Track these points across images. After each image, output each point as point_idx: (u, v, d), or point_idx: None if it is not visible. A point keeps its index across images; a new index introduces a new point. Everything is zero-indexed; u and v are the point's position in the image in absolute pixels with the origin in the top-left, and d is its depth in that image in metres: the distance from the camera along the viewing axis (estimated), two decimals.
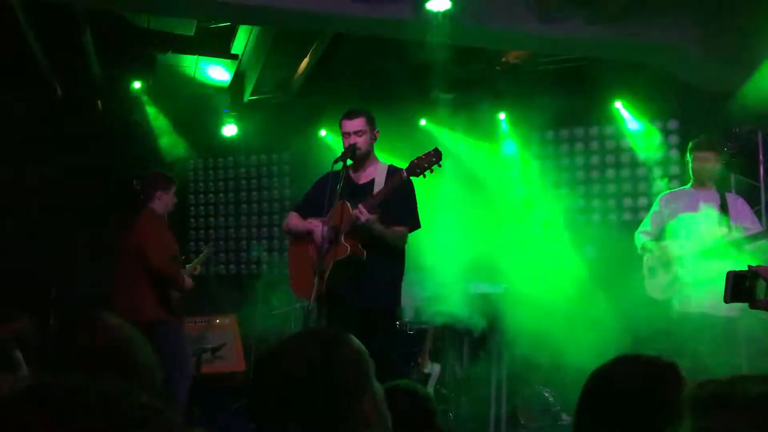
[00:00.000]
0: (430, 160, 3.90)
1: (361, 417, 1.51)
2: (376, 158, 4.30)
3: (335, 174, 4.04)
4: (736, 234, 4.52)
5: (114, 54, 7.09)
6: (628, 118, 6.84)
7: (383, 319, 4.11)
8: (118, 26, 6.55)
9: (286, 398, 1.51)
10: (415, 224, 4.18)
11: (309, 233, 4.15)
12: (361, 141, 4.10)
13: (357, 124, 4.12)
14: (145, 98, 7.91)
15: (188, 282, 5.25)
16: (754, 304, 2.54)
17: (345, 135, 4.15)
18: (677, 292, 4.76)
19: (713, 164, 4.73)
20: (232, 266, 8.66)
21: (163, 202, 5.34)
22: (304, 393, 1.50)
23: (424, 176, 3.93)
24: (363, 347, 1.61)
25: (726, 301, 2.20)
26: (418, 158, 3.94)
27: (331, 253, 3.97)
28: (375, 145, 4.27)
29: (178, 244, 5.42)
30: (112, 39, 6.77)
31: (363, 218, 3.85)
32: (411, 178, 4.01)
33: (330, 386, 1.50)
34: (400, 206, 4.07)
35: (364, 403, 1.52)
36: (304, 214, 4.32)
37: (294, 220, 4.36)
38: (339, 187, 4.00)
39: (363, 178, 4.23)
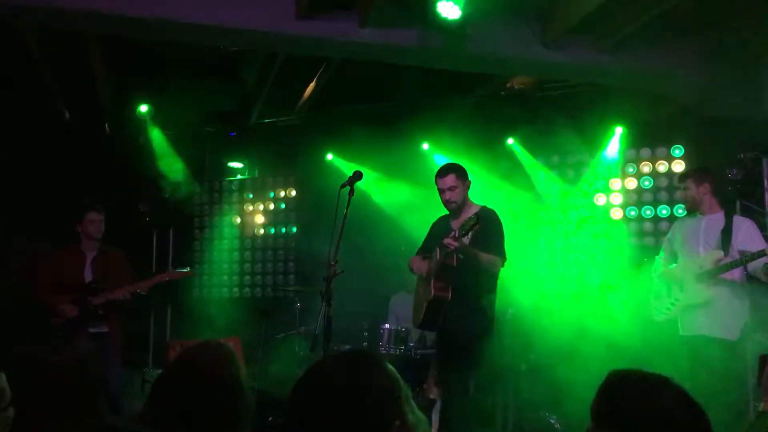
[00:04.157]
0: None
1: None
2: (470, 203, 4.72)
3: (445, 217, 4.65)
4: (729, 258, 4.55)
5: (122, 78, 7.16)
6: (616, 146, 6.90)
7: (471, 345, 4.44)
8: (127, 51, 6.62)
9: (318, 417, 1.55)
10: (502, 256, 4.57)
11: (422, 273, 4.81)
12: (454, 195, 4.60)
13: (449, 181, 4.60)
14: (151, 122, 7.96)
15: (61, 309, 5.38)
16: None
17: (440, 191, 4.64)
18: (677, 316, 4.78)
19: (694, 191, 4.81)
20: (235, 289, 8.65)
21: (82, 232, 5.64)
22: (330, 414, 1.53)
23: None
24: (395, 373, 1.63)
25: (758, 384, 2.08)
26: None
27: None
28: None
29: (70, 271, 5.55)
30: (121, 63, 6.84)
31: (453, 245, 4.26)
32: (494, 212, 4.63)
33: (355, 409, 1.51)
34: (485, 239, 4.44)
35: (393, 428, 1.53)
36: (424, 255, 4.88)
37: (413, 260, 4.95)
38: (346, 210, 4.08)
39: (457, 224, 4.57)
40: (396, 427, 1.55)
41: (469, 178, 4.73)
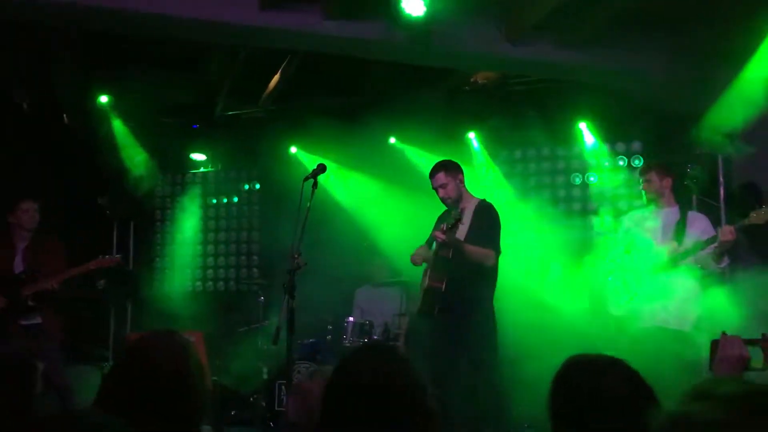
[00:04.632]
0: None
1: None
2: (469, 196, 4.79)
3: (448, 211, 4.69)
4: (682, 249, 4.65)
5: (81, 68, 7.02)
6: (589, 139, 7.00)
7: (466, 335, 4.51)
8: (87, 41, 6.49)
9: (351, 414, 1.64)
10: (495, 249, 4.62)
11: None
12: (447, 191, 4.70)
13: (438, 179, 4.73)
14: (111, 113, 7.82)
15: None
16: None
17: (435, 191, 4.77)
18: (634, 307, 4.88)
19: (657, 183, 4.89)
20: (198, 283, 8.57)
21: (15, 222, 5.50)
22: (362, 411, 1.62)
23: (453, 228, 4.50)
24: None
25: (710, 368, 2.17)
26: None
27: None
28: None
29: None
30: (80, 54, 6.70)
31: (441, 238, 4.43)
32: (491, 205, 4.77)
33: (388, 404, 1.61)
34: (479, 231, 4.56)
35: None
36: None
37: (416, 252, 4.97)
38: (309, 203, 4.08)
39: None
40: (431, 420, 1.60)
41: (462, 171, 4.80)
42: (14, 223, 5.48)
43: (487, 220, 4.66)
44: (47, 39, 6.27)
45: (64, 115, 7.82)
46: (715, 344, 2.16)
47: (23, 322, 5.27)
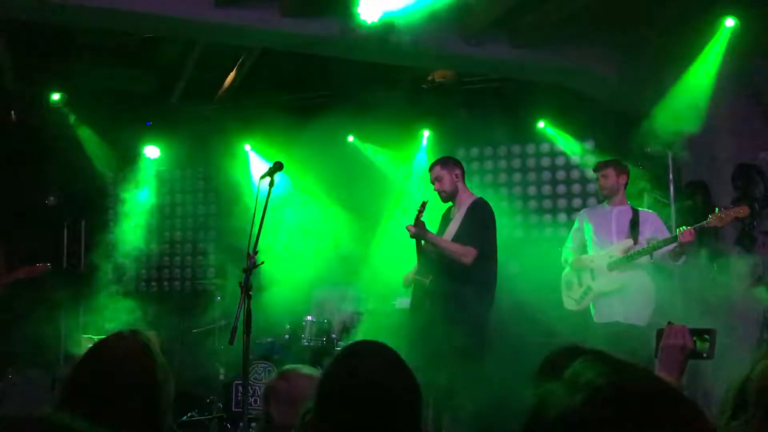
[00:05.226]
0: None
1: None
2: (466, 193, 4.78)
3: (448, 209, 4.72)
4: (638, 247, 4.76)
5: (30, 64, 6.82)
6: (553, 137, 7.09)
7: (447, 333, 4.42)
8: (35, 35, 6.31)
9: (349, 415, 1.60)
10: (479, 246, 4.53)
11: None
12: (442, 185, 4.73)
13: (435, 172, 4.76)
14: (63, 110, 7.61)
15: None
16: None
17: (432, 183, 4.80)
18: (591, 304, 4.96)
19: (614, 179, 4.97)
20: (153, 283, 8.42)
21: None
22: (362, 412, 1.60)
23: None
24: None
25: (655, 356, 2.23)
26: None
27: None
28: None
29: None
30: (28, 48, 6.52)
31: (411, 231, 4.50)
32: (485, 203, 4.74)
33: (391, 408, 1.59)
34: (467, 229, 4.57)
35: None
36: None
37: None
38: (266, 201, 4.02)
39: (453, 214, 4.75)
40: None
41: (460, 167, 4.80)
42: None
43: (476, 218, 4.64)
44: None
45: (12, 113, 7.60)
46: (660, 333, 2.21)
47: None
